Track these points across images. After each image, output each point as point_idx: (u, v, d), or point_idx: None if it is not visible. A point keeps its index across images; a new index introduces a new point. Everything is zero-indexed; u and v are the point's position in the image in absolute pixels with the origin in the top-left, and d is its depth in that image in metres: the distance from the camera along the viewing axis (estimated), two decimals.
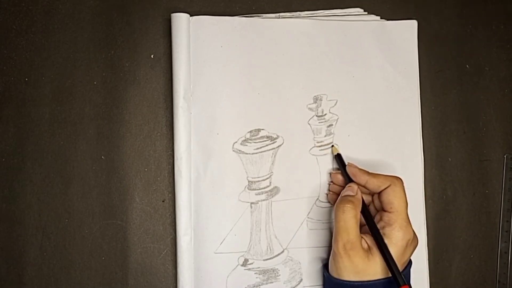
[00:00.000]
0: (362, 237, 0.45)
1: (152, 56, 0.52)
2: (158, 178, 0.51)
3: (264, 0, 0.53)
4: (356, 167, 0.49)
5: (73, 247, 0.49)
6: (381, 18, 0.55)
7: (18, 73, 0.50)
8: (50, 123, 0.50)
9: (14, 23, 0.50)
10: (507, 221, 0.55)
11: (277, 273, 0.51)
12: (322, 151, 0.52)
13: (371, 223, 0.46)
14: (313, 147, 0.52)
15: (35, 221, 0.49)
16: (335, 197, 0.49)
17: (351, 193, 0.47)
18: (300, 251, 0.51)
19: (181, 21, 0.50)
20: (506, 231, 0.55)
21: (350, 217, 0.45)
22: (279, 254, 0.51)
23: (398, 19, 0.55)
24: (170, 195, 0.51)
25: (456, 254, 0.55)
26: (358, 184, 0.48)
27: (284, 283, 0.51)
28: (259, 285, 0.50)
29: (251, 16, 0.52)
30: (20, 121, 0.50)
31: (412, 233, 0.45)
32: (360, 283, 0.44)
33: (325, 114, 0.52)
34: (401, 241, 0.45)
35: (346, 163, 0.50)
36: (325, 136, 0.52)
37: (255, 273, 0.50)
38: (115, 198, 0.50)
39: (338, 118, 0.53)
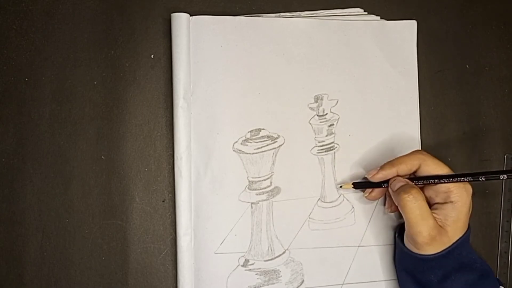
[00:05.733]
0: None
1: (152, 56, 0.52)
2: (158, 178, 0.51)
3: (264, 0, 0.53)
4: (376, 171, 0.48)
5: (73, 247, 0.49)
6: (381, 18, 0.55)
7: (18, 73, 0.50)
8: (50, 123, 0.50)
9: (14, 23, 0.50)
10: (507, 221, 0.55)
11: (278, 274, 0.50)
12: (323, 151, 0.52)
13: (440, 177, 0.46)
14: (314, 147, 0.52)
15: (35, 221, 0.49)
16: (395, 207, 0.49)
17: (403, 183, 0.46)
18: (302, 252, 0.51)
19: (181, 21, 0.50)
20: (506, 231, 0.56)
21: (422, 202, 0.44)
22: (280, 255, 0.51)
23: (398, 19, 0.55)
24: (170, 195, 0.51)
25: None
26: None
27: (285, 284, 0.51)
28: (260, 286, 0.50)
29: (251, 16, 0.52)
30: (20, 121, 0.49)
31: (468, 186, 0.46)
32: (448, 250, 0.44)
33: (326, 114, 0.52)
34: (468, 197, 0.45)
35: (365, 177, 0.50)
36: (326, 135, 0.52)
37: (256, 274, 0.50)
38: (115, 198, 0.50)
39: (339, 118, 0.53)
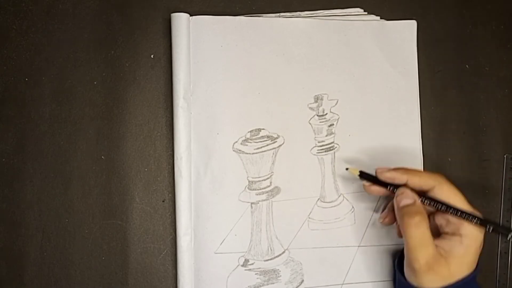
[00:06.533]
0: (436, 244, 0.43)
1: (152, 56, 0.52)
2: (158, 178, 0.51)
3: (264, 0, 0.53)
4: (388, 169, 0.46)
5: (73, 247, 0.49)
6: (381, 18, 0.55)
7: (18, 73, 0.50)
8: (50, 123, 0.50)
9: (14, 23, 0.50)
10: (507, 221, 0.55)
11: (278, 273, 0.50)
12: (323, 151, 0.52)
13: (448, 208, 0.43)
14: (314, 147, 0.52)
15: (35, 221, 0.49)
16: (391, 216, 0.48)
17: (410, 201, 0.44)
18: (302, 252, 0.51)
19: (181, 21, 0.50)
20: None
21: (424, 230, 0.42)
22: (280, 255, 0.51)
23: (398, 19, 0.55)
24: (170, 195, 0.51)
25: None
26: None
27: (285, 284, 0.51)
28: (260, 285, 0.50)
29: (251, 16, 0.52)
30: (20, 121, 0.49)
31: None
32: (449, 286, 0.42)
33: (326, 114, 0.52)
34: (479, 234, 0.43)
35: (375, 172, 0.47)
36: (326, 135, 0.52)
37: (255, 274, 0.50)
38: (115, 198, 0.50)
39: (339, 118, 0.53)
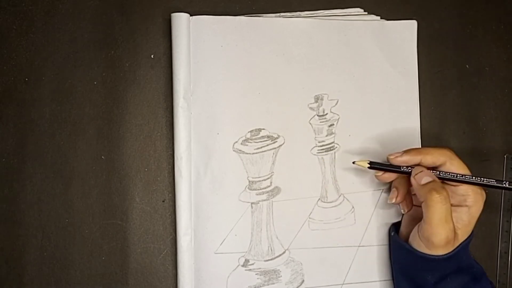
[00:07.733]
0: None
1: (152, 56, 0.52)
2: (158, 178, 0.51)
3: (264, 0, 0.53)
4: (399, 153, 0.47)
5: (73, 247, 0.49)
6: (381, 18, 0.55)
7: (18, 73, 0.50)
8: (50, 123, 0.50)
9: (14, 23, 0.50)
10: (507, 221, 0.55)
11: (279, 274, 0.50)
12: (323, 151, 0.52)
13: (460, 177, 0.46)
14: (314, 147, 0.52)
15: (35, 221, 0.49)
16: (402, 194, 0.48)
17: (431, 179, 0.45)
18: (302, 252, 0.51)
19: (181, 21, 0.50)
20: (506, 231, 0.55)
21: (449, 205, 0.43)
22: (280, 255, 0.51)
23: (398, 19, 0.55)
24: (170, 195, 0.51)
25: None
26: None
27: (285, 284, 0.51)
28: (260, 286, 0.50)
29: (251, 16, 0.52)
30: (20, 121, 0.49)
31: (484, 193, 0.46)
32: (451, 253, 0.44)
33: (326, 114, 0.52)
34: (482, 203, 0.45)
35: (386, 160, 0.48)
36: (326, 135, 0.52)
37: (256, 274, 0.50)
38: (115, 198, 0.50)
39: (339, 118, 0.53)
